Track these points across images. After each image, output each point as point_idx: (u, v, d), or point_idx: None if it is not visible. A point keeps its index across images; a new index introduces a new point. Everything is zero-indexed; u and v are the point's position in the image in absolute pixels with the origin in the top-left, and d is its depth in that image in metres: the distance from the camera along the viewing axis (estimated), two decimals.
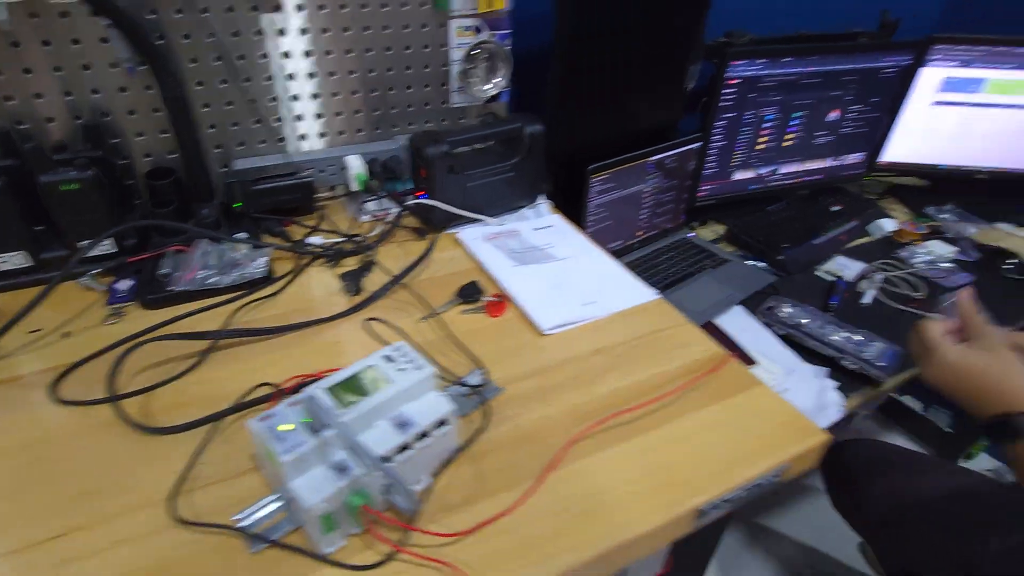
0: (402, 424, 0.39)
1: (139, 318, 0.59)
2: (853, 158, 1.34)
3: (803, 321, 0.95)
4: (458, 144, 0.70)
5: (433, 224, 0.75)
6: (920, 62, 1.23)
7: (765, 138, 1.21)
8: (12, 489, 0.41)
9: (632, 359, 0.55)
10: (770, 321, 0.97)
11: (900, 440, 1.78)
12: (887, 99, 1.26)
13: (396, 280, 0.62)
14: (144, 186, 0.69)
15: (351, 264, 0.67)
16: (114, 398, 0.48)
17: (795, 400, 0.83)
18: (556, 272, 0.67)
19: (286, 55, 0.74)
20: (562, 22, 0.79)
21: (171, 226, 0.63)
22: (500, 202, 0.79)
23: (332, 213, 0.80)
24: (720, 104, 1.11)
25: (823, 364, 0.90)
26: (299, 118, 0.78)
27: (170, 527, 0.39)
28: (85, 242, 0.61)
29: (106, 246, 0.63)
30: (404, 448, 0.38)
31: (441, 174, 0.70)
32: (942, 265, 1.18)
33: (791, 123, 1.21)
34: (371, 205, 0.78)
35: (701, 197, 1.23)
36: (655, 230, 1.16)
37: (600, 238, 1.06)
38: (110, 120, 0.68)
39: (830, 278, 1.13)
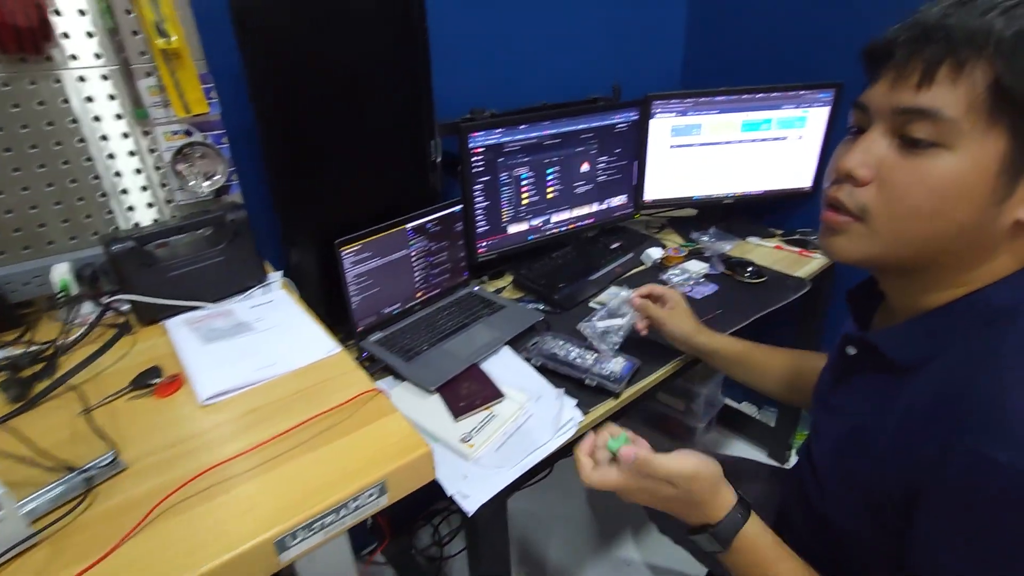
0: None
1: None
2: (618, 200, 1.53)
3: (556, 351, 1.04)
4: (146, 240, 0.74)
5: (142, 319, 0.77)
6: (647, 115, 1.45)
7: (527, 194, 1.35)
8: None
9: (283, 411, 0.59)
10: (531, 356, 1.05)
11: (740, 446, 1.91)
12: (629, 148, 1.47)
13: (60, 381, 0.63)
14: None
15: (34, 371, 0.67)
16: None
17: (536, 421, 0.90)
18: (248, 343, 0.71)
19: (16, 169, 0.77)
20: (260, 115, 0.87)
21: None
22: (221, 286, 0.83)
23: (47, 322, 0.79)
24: (473, 170, 1.25)
25: (572, 385, 0.98)
26: (40, 225, 0.81)
27: None
28: None
29: None
30: None
31: (132, 269, 0.73)
32: (694, 280, 1.35)
33: (547, 178, 1.37)
34: (86, 308, 0.79)
35: (482, 253, 1.34)
36: (436, 289, 1.24)
37: (372, 304, 1.12)
38: None
39: (598, 307, 1.25)
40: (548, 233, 1.43)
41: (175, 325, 0.75)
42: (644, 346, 1.06)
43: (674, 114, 1.47)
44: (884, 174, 0.51)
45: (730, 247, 1.51)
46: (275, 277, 0.89)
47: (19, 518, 0.43)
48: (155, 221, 0.88)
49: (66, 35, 0.75)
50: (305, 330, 0.73)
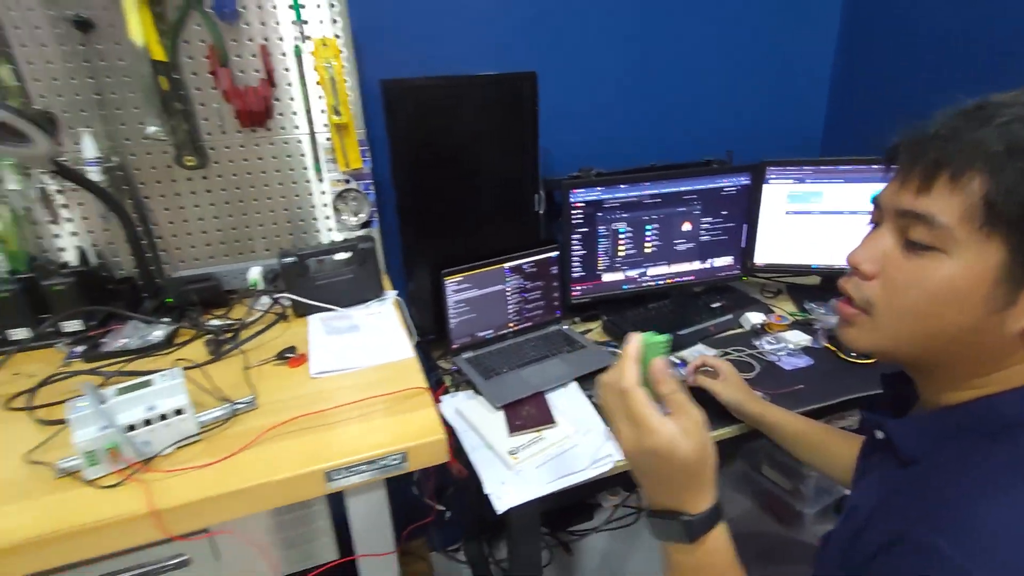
0: (150, 408, 0.66)
1: (79, 367, 0.92)
2: (723, 261, 1.54)
3: None
4: (305, 257, 1.04)
5: (296, 312, 1.07)
6: (760, 180, 1.47)
7: (624, 246, 1.46)
8: None
9: (360, 389, 0.80)
10: (592, 394, 1.15)
11: None
12: (737, 212, 1.49)
13: (236, 346, 0.93)
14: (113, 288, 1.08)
15: (225, 337, 0.99)
16: (29, 408, 0.80)
17: (579, 451, 1.00)
18: (355, 340, 0.95)
19: (240, 200, 1.15)
20: (395, 173, 1.14)
21: (103, 311, 1.00)
22: (349, 296, 1.10)
23: (244, 305, 1.14)
24: (572, 222, 1.40)
25: None
26: (249, 239, 1.19)
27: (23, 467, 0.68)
28: (56, 322, 0.98)
29: (76, 324, 0.99)
30: (148, 422, 0.66)
31: (292, 277, 1.03)
32: (788, 351, 1.31)
33: (646, 234, 1.46)
34: (264, 300, 1.12)
35: (576, 296, 1.47)
36: (528, 322, 1.41)
37: (467, 327, 1.32)
38: (98, 248, 1.09)
39: (676, 361, 1.30)
40: (644, 285, 1.51)
41: (313, 319, 1.03)
42: (713, 407, 1.07)
43: (791, 181, 1.46)
44: (888, 270, 0.52)
45: None
46: (390, 295, 1.14)
47: (195, 422, 0.70)
48: (320, 243, 1.19)
49: (280, 114, 1.10)
50: (393, 338, 0.95)
